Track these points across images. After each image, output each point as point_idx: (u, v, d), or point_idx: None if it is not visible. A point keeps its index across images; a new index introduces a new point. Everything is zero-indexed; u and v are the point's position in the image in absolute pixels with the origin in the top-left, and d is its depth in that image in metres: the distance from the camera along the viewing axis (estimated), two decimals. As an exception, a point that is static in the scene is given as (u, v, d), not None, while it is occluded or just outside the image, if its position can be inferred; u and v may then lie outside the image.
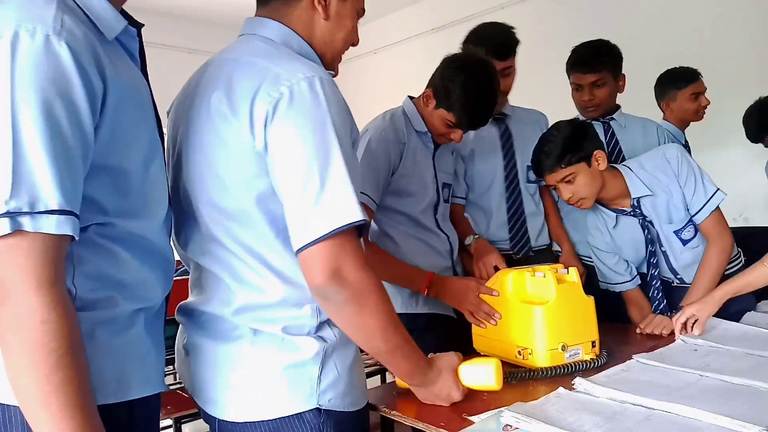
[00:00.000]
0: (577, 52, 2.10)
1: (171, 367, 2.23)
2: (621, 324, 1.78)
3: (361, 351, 1.08)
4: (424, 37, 5.04)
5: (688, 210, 1.71)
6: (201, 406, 1.07)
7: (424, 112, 1.69)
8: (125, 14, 0.87)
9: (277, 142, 0.92)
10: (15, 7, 0.73)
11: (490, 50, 1.82)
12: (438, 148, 1.76)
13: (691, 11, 3.49)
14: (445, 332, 1.69)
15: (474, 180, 1.99)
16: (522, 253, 1.97)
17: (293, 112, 0.92)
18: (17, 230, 0.69)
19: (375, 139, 1.63)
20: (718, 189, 1.70)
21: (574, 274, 1.43)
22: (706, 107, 2.63)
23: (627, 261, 1.83)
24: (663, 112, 2.68)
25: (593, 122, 2.02)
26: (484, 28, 1.93)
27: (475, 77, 1.58)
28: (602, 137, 1.98)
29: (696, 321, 1.55)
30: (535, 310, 1.34)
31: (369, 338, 1.00)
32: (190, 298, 1.11)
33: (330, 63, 1.13)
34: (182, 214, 1.07)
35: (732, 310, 1.65)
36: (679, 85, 2.62)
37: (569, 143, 1.65)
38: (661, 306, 1.78)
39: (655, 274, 1.78)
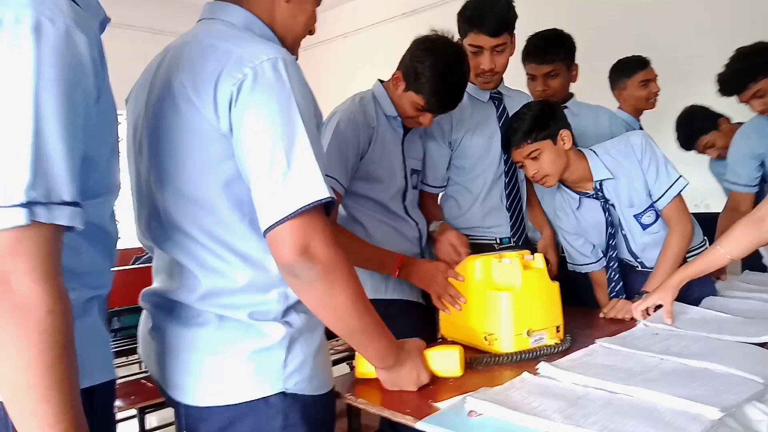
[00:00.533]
0: (530, 42, 2.14)
1: (135, 356, 2.20)
2: (585, 308, 1.81)
3: (329, 338, 1.07)
4: (395, 22, 5.00)
5: (650, 195, 1.75)
6: (166, 391, 1.06)
7: (394, 95, 1.67)
8: None
9: (242, 122, 0.92)
10: None
11: (479, 25, 1.76)
12: (407, 134, 1.75)
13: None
14: (415, 319, 1.69)
15: (466, 161, 1.92)
16: (521, 240, 1.94)
17: (257, 93, 0.92)
18: (32, 221, 0.68)
19: (344, 122, 1.60)
20: (681, 176, 1.73)
21: (539, 260, 1.44)
22: (656, 94, 2.66)
23: (593, 244, 1.86)
24: (617, 101, 2.71)
25: None
26: (477, 2, 1.81)
27: (444, 59, 1.56)
28: None
29: (658, 308, 1.58)
30: (501, 297, 1.35)
31: (339, 317, 0.99)
32: (155, 285, 1.11)
33: (290, 47, 1.13)
34: (145, 201, 1.06)
35: (694, 296, 1.69)
36: (628, 73, 2.64)
37: (537, 120, 1.69)
38: (617, 288, 1.82)
39: (614, 256, 1.82)
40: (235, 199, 0.97)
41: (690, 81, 3.12)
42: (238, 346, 0.98)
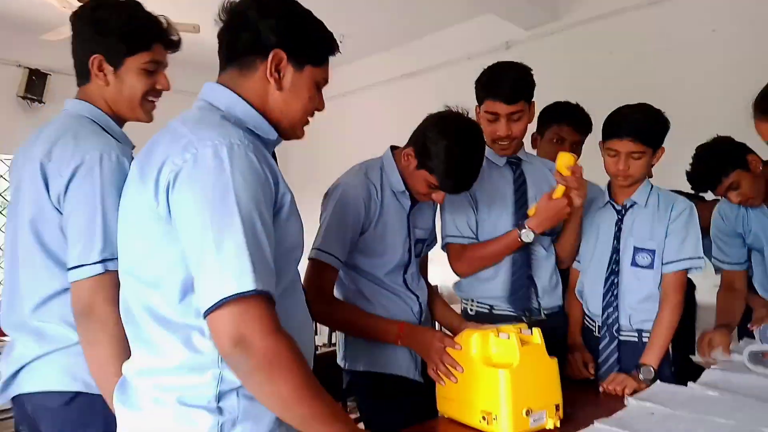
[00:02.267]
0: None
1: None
2: (583, 382, 1.77)
3: None
4: (395, 83, 5.10)
5: (660, 250, 1.76)
6: None
7: (405, 171, 1.65)
8: None
9: (177, 208, 0.95)
10: (91, 139, 1.29)
11: (495, 93, 1.74)
12: (416, 205, 1.73)
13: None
14: (410, 395, 1.66)
15: (478, 230, 1.83)
16: (531, 317, 1.80)
17: (193, 179, 0.94)
18: (106, 270, 1.20)
19: (346, 195, 1.60)
20: (703, 259, 1.75)
21: (537, 336, 1.43)
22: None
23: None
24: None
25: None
26: (494, 69, 1.80)
27: (458, 142, 1.53)
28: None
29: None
30: (500, 374, 1.33)
31: (283, 407, 0.96)
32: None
33: (290, 130, 1.15)
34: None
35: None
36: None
37: (658, 126, 1.73)
38: (612, 359, 1.79)
39: (615, 308, 1.79)
40: (174, 281, 0.97)
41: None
42: None
